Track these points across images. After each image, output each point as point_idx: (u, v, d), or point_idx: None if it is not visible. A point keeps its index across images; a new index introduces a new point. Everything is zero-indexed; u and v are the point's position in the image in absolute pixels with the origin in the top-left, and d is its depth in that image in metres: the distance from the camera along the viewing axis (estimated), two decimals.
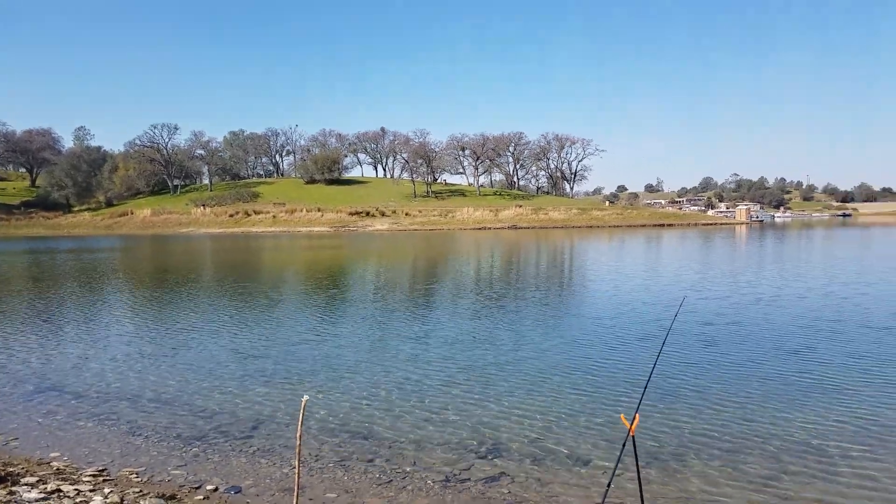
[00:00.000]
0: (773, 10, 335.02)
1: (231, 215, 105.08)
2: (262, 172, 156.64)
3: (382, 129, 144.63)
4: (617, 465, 4.42)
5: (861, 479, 5.89)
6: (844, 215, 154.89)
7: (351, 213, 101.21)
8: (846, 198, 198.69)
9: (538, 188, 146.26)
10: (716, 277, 23.20)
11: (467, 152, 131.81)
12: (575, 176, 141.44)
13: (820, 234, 64.58)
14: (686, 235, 63.18)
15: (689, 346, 11.40)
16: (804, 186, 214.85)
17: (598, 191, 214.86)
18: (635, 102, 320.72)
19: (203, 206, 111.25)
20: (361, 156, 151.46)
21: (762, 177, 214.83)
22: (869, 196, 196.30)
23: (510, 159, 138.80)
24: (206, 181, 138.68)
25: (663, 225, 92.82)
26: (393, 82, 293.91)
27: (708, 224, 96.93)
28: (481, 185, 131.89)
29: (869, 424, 7.29)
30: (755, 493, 5.68)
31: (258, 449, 6.94)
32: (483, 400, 8.46)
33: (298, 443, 4.93)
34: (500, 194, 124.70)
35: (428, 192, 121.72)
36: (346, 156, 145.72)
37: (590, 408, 8.05)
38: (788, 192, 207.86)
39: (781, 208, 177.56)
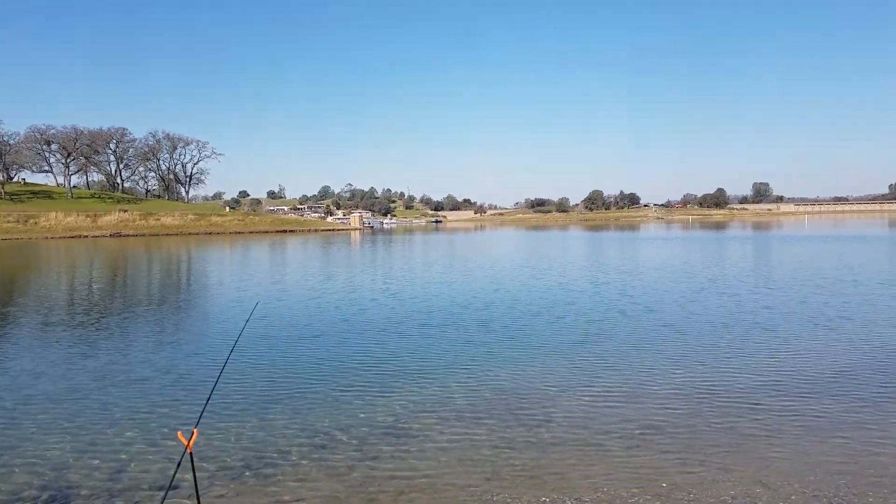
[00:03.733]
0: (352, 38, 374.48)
1: None
2: None
3: None
4: (171, 486, 3.90)
5: (436, 451, 6.57)
6: (437, 222, 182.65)
7: None
8: (438, 206, 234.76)
9: (148, 191, 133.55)
10: (317, 281, 24.31)
11: (55, 147, 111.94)
12: (191, 179, 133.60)
13: (419, 238, 74.49)
14: (307, 241, 65.63)
15: (264, 352, 11.37)
16: (406, 196, 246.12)
17: (218, 195, 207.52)
18: (258, 106, 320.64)
19: None
20: None
21: (372, 187, 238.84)
22: (455, 205, 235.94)
23: (112, 158, 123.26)
24: None
25: (286, 231, 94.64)
26: None
27: (327, 230, 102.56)
28: (74, 187, 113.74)
29: (436, 403, 8.29)
30: (338, 483, 5.81)
31: None
32: (41, 445, 6.88)
33: None
34: (99, 197, 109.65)
35: (0, 193, 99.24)
36: None
37: (164, 431, 7.24)
38: (394, 202, 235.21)
39: (388, 215, 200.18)
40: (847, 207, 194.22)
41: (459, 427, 7.22)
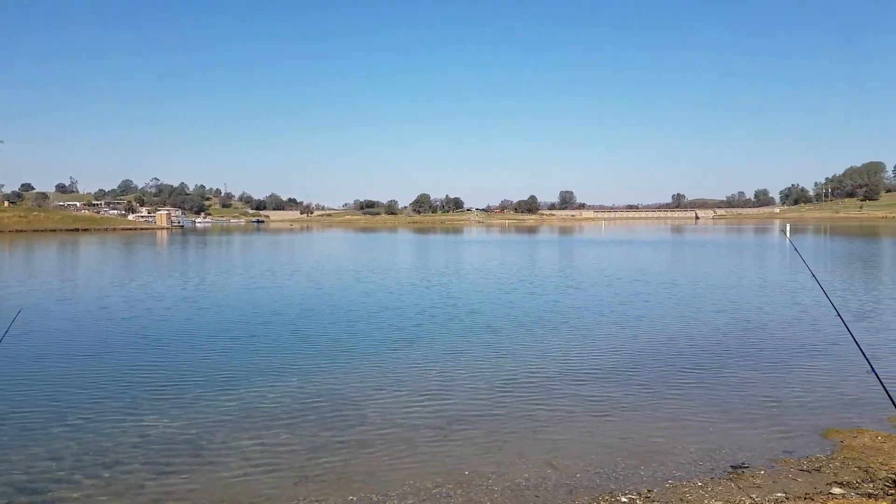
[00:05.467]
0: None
1: None
2: None
3: None
4: None
5: (241, 461, 6.24)
6: (259, 222, 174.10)
7: None
8: (260, 206, 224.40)
9: None
10: (108, 287, 22.15)
11: None
12: None
13: (237, 239, 70.59)
14: (104, 241, 59.31)
15: (35, 369, 10.17)
16: (223, 194, 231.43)
17: None
18: (45, 88, 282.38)
19: None
20: None
21: (183, 183, 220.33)
22: (278, 205, 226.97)
23: None
24: None
25: (79, 230, 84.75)
26: None
27: (128, 229, 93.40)
28: None
29: (242, 413, 7.96)
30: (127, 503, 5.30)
31: None
32: None
33: None
34: None
35: None
36: None
37: None
38: (209, 199, 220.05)
39: (202, 214, 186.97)
40: (638, 214, 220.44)
41: (267, 435, 6.94)
